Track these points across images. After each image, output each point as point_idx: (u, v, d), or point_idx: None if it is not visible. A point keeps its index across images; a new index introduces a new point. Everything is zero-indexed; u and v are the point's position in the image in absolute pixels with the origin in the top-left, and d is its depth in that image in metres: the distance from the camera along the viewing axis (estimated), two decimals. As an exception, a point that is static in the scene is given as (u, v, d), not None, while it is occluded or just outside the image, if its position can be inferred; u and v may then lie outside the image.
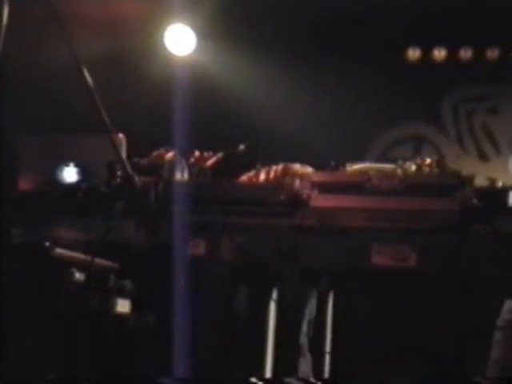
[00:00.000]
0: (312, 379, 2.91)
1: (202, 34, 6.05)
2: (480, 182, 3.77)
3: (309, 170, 3.20)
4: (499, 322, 3.37)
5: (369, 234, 2.77)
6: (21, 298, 3.02)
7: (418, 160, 2.91)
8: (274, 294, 3.07)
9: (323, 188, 2.81)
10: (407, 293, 3.00)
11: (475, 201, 2.76)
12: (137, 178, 2.95)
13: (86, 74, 2.71)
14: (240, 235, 2.89)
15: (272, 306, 3.09)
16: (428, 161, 2.88)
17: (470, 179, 2.82)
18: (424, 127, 6.73)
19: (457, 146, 6.69)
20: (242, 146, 3.40)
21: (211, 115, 5.58)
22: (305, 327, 3.27)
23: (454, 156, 6.62)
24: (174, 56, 5.99)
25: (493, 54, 6.25)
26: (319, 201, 2.80)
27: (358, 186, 2.79)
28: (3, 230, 2.60)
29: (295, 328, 3.17)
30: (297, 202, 2.84)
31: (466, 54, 6.32)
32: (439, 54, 6.38)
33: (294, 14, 5.96)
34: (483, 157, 6.57)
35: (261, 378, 2.87)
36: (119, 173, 2.98)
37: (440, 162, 2.88)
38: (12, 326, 2.52)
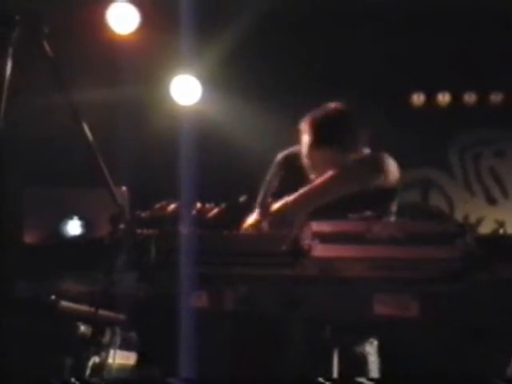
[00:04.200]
0: None
1: (207, 84, 6.13)
2: (488, 225, 3.77)
3: None
4: (509, 372, 3.33)
5: (370, 284, 2.76)
6: (25, 351, 3.03)
7: (425, 207, 2.92)
8: (278, 345, 3.06)
9: (324, 238, 2.81)
10: (411, 342, 2.98)
11: (476, 248, 2.76)
12: (139, 231, 2.98)
13: (86, 128, 2.74)
14: (242, 286, 2.90)
15: (276, 357, 3.08)
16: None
17: (471, 226, 2.83)
18: (431, 172, 6.75)
19: (464, 190, 6.70)
20: (243, 197, 3.42)
21: (216, 165, 5.62)
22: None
23: (462, 200, 6.62)
24: (180, 106, 6.06)
25: (496, 98, 6.30)
26: (320, 251, 2.81)
27: (358, 236, 2.80)
28: (7, 283, 2.62)
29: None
30: (298, 253, 2.84)
31: (470, 98, 6.37)
32: (443, 98, 6.44)
33: (299, 63, 6.04)
34: (491, 200, 6.58)
35: None
36: (122, 225, 2.99)
37: (440, 210, 2.89)
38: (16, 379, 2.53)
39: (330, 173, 3.43)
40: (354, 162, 3.47)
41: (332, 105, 3.61)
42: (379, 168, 3.48)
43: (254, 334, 2.99)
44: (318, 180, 3.46)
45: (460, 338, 2.91)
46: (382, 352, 3.18)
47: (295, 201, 3.37)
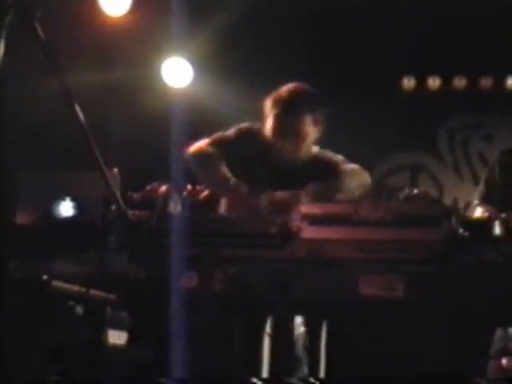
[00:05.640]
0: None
1: (199, 67, 6.13)
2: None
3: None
4: (492, 351, 3.40)
5: (356, 265, 2.82)
6: (18, 330, 3.06)
7: (406, 191, 2.97)
8: (267, 325, 3.11)
9: (312, 220, 2.86)
10: (396, 322, 3.04)
11: (461, 231, 2.81)
12: (130, 212, 3.02)
13: (78, 110, 2.77)
14: (232, 267, 2.94)
15: (265, 337, 3.13)
16: (415, 192, 2.94)
17: (457, 209, 2.88)
18: (420, 156, 6.80)
19: (453, 174, 6.75)
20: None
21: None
22: (298, 357, 3.31)
23: (451, 184, 6.68)
24: (171, 89, 6.06)
25: (486, 82, 6.33)
26: (309, 232, 2.85)
27: (346, 218, 2.84)
28: (1, 264, 2.65)
29: (288, 358, 3.21)
30: (287, 235, 2.89)
31: (459, 82, 6.40)
32: (433, 82, 6.47)
33: (291, 46, 6.05)
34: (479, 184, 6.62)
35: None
36: (114, 207, 3.03)
37: (427, 193, 2.94)
38: (10, 359, 2.56)
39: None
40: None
41: (293, 84, 3.71)
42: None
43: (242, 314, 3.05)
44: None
45: (444, 319, 2.97)
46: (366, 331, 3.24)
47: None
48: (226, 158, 3.62)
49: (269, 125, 3.65)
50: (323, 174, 3.52)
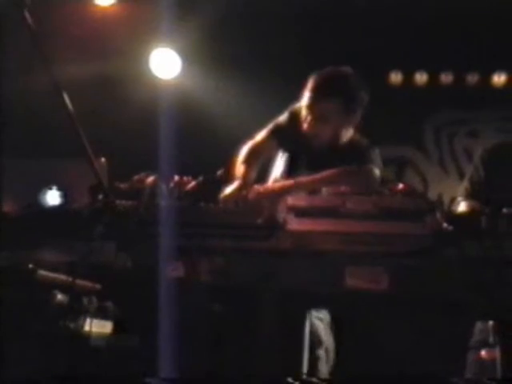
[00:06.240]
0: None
1: (187, 58, 6.13)
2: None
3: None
4: (472, 343, 3.44)
5: (342, 257, 2.84)
6: (4, 319, 3.07)
7: (391, 185, 2.99)
8: (252, 316, 3.13)
9: (299, 212, 2.88)
10: (381, 314, 3.06)
11: (445, 225, 2.84)
12: (118, 202, 3.02)
13: (66, 99, 2.77)
14: (218, 258, 2.96)
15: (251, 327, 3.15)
16: (401, 186, 2.96)
17: (441, 204, 2.91)
18: (406, 150, 6.83)
19: (439, 169, 6.80)
20: (220, 171, 3.47)
21: (195, 139, 5.65)
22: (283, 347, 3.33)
23: (436, 179, 6.72)
24: (159, 79, 6.06)
25: (473, 79, 6.37)
26: (295, 224, 2.87)
27: (333, 210, 2.86)
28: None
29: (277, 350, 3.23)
30: (273, 226, 2.90)
31: (446, 78, 6.43)
32: (421, 78, 6.49)
33: (280, 39, 6.06)
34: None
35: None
36: (101, 196, 3.03)
37: (412, 188, 2.96)
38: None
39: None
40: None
41: (335, 68, 3.69)
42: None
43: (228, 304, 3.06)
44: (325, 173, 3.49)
45: (427, 312, 3.01)
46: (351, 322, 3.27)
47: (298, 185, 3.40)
48: (282, 144, 3.62)
49: (302, 107, 3.64)
50: (350, 162, 3.48)
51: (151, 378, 2.86)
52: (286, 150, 3.72)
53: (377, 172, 3.56)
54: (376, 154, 3.66)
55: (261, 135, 3.78)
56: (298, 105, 3.74)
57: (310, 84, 3.62)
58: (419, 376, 2.94)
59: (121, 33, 5.79)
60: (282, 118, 3.78)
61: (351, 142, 3.69)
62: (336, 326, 3.42)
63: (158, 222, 2.96)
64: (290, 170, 3.60)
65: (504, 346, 3.09)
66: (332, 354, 3.41)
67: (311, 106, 3.61)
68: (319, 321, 3.41)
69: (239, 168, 3.69)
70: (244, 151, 3.77)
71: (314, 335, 3.33)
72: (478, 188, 3.65)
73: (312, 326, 3.31)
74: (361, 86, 3.66)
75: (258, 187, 3.40)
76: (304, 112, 3.64)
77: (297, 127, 3.67)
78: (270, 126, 3.78)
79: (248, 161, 3.73)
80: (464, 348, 3.33)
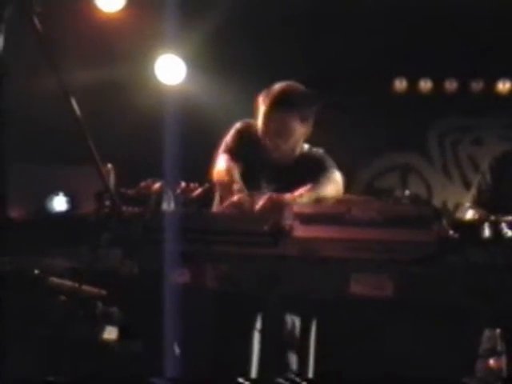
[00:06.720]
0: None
1: (192, 64, 6.15)
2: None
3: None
4: (480, 351, 3.45)
5: (348, 264, 2.85)
6: (9, 324, 3.08)
7: (397, 193, 3.01)
8: (257, 322, 3.14)
9: (305, 219, 2.89)
10: (385, 321, 3.07)
11: (451, 232, 2.85)
12: (124, 208, 3.04)
13: (74, 104, 2.79)
14: (224, 264, 2.97)
15: (255, 334, 3.16)
16: (406, 193, 2.98)
17: (446, 211, 2.92)
18: (411, 157, 6.84)
19: (443, 176, 6.80)
20: (226, 178, 3.49)
21: (200, 145, 5.66)
22: (288, 354, 3.35)
23: (440, 186, 6.73)
24: (165, 85, 6.08)
25: (477, 86, 6.38)
26: (301, 231, 2.88)
27: (338, 217, 2.88)
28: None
29: (278, 354, 3.24)
30: (279, 233, 2.91)
31: (451, 85, 6.44)
32: (425, 85, 6.50)
33: (284, 44, 6.07)
34: (468, 186, 6.67)
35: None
36: (107, 202, 3.05)
37: (417, 195, 2.98)
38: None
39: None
40: None
41: (286, 82, 3.74)
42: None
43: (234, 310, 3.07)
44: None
45: (433, 319, 3.01)
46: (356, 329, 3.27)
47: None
48: (240, 161, 3.65)
49: (259, 121, 3.68)
50: (310, 173, 3.54)
51: (156, 378, 2.87)
52: (244, 165, 3.68)
53: (340, 176, 3.63)
54: (331, 160, 3.72)
55: (220, 162, 3.72)
56: (243, 122, 3.77)
57: (265, 99, 3.67)
58: (420, 380, 2.95)
59: (126, 39, 5.81)
60: (230, 138, 3.77)
61: (308, 152, 3.75)
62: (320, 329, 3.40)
63: (164, 228, 2.97)
64: (250, 185, 3.56)
65: (510, 353, 3.10)
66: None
67: (271, 119, 3.64)
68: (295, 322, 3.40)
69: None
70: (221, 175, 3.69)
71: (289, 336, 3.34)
72: (485, 196, 3.67)
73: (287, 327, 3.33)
74: (313, 98, 3.72)
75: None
76: (262, 126, 3.66)
77: (252, 142, 3.68)
78: (223, 149, 3.74)
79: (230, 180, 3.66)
80: (469, 354, 3.34)
